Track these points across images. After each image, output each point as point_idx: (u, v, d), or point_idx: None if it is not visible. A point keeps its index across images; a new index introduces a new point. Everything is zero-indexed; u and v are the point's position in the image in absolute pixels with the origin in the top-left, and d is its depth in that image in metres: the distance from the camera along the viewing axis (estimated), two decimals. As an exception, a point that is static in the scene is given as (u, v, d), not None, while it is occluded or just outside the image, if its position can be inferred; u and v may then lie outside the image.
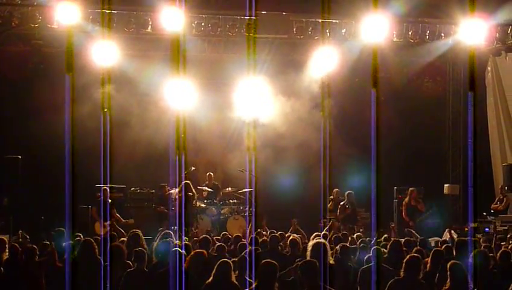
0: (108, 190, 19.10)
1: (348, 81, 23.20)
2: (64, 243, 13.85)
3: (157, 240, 13.21)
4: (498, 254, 12.07)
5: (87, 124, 19.55)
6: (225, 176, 22.95)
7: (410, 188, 21.27)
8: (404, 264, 9.98)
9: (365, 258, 11.99)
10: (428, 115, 24.82)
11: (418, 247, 14.03)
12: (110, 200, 19.11)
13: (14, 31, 20.81)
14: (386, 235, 17.36)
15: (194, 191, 20.31)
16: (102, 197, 19.02)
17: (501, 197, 20.98)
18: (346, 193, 20.38)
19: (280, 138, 22.44)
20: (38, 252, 12.12)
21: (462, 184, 23.84)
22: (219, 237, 16.46)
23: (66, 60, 17.77)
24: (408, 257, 10.17)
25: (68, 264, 11.34)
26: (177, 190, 19.66)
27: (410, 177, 23.34)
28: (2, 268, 11.96)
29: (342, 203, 20.45)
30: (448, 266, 9.91)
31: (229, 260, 9.98)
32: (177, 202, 19.43)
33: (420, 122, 24.63)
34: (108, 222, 19.00)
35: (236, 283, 9.82)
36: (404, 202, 21.06)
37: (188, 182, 19.65)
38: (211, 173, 22.10)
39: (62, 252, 12.89)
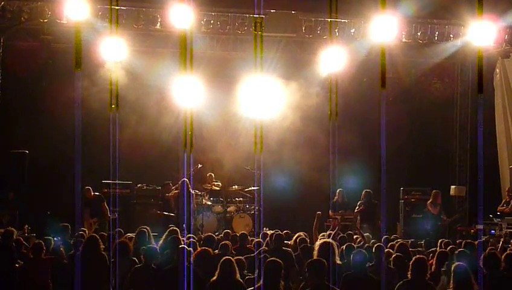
0: (90, 188, 19.19)
1: (356, 81, 23.19)
2: (69, 239, 13.93)
3: (164, 238, 13.22)
4: (503, 257, 12.05)
5: (95, 120, 19.59)
6: (231, 174, 22.91)
7: (434, 191, 21.16)
8: (410, 265, 9.98)
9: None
10: (436, 116, 24.76)
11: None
12: (97, 194, 19.29)
13: (23, 26, 20.82)
14: (394, 235, 17.35)
15: (191, 190, 20.29)
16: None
17: (507, 200, 20.92)
18: (364, 192, 20.24)
19: (287, 137, 22.43)
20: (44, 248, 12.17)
21: (468, 186, 23.78)
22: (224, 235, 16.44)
23: (74, 55, 17.80)
24: (414, 258, 10.16)
25: (74, 260, 11.38)
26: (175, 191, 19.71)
27: (417, 178, 23.34)
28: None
29: (359, 202, 20.30)
30: (452, 268, 9.90)
31: (232, 258, 10.00)
32: (178, 199, 19.49)
33: (428, 123, 24.60)
34: (94, 219, 19.10)
35: (240, 280, 9.84)
36: (428, 203, 20.92)
37: (186, 180, 19.56)
38: (212, 174, 22.03)
39: (68, 248, 12.95)
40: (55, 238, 14.25)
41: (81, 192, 18.68)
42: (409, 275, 9.93)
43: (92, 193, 19.38)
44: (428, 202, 20.63)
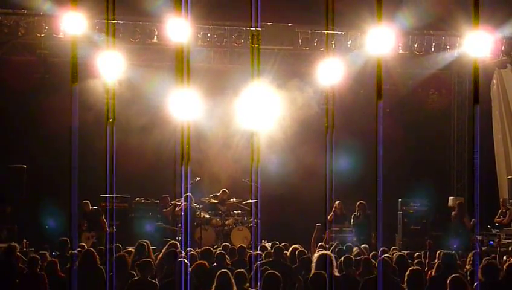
0: (88, 202, 19.18)
1: (353, 93, 23.18)
2: (67, 253, 13.89)
3: (163, 251, 13.22)
4: (505, 267, 12.02)
5: (92, 134, 19.57)
6: (229, 186, 22.88)
7: (459, 202, 21.16)
8: (406, 277, 9.92)
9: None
10: (434, 127, 24.79)
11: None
12: (95, 208, 19.23)
13: (20, 40, 20.88)
14: (394, 247, 17.30)
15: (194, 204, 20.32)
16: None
17: (503, 211, 20.90)
18: (358, 203, 20.21)
19: (284, 149, 22.45)
20: (40, 262, 12.12)
21: (466, 197, 23.74)
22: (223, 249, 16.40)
23: (71, 70, 17.79)
24: (409, 270, 10.10)
25: (71, 274, 11.36)
26: (183, 202, 19.65)
27: (415, 189, 23.30)
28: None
29: (354, 214, 20.26)
30: (448, 281, 9.87)
31: (228, 271, 9.98)
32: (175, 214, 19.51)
33: (425, 134, 24.61)
34: (92, 233, 19.05)
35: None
36: (453, 215, 20.90)
37: (190, 194, 19.61)
38: (226, 190, 21.88)
39: (65, 262, 12.91)
40: (53, 253, 14.24)
41: (79, 206, 18.66)
42: (405, 287, 9.90)
43: (90, 207, 19.38)
44: (464, 216, 20.29)
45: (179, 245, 13.58)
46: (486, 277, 10.42)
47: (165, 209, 20.83)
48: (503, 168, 23.23)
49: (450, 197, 23.50)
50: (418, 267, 10.78)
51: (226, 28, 20.88)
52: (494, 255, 15.84)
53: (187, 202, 19.23)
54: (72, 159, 15.07)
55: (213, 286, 9.65)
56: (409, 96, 24.48)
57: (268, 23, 20.66)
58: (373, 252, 14.94)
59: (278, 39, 21.28)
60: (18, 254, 13.27)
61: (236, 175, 22.50)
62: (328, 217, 19.94)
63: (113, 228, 18.91)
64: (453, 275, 9.91)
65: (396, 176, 22.31)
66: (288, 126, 22.28)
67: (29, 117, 21.84)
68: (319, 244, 16.37)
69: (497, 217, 20.87)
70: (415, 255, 15.41)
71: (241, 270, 11.34)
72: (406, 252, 15.28)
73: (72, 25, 18.60)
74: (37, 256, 12.36)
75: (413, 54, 21.95)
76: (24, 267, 12.23)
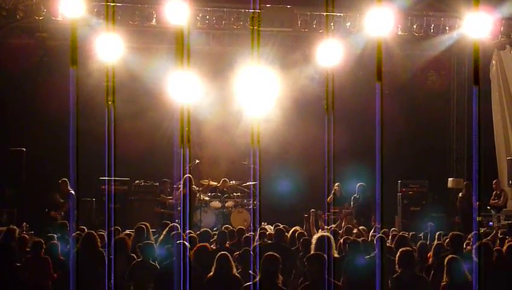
0: (67, 181, 18.58)
1: (352, 75, 23.16)
2: (67, 236, 13.92)
3: (164, 234, 13.25)
4: (505, 248, 12.03)
5: (91, 117, 19.54)
6: (229, 169, 22.92)
7: (466, 182, 21.19)
8: (397, 259, 9.92)
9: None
10: (433, 109, 24.77)
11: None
12: (72, 192, 18.84)
13: (18, 23, 20.80)
14: (393, 229, 17.34)
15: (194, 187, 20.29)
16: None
17: (497, 193, 20.92)
18: (358, 185, 20.19)
19: (283, 131, 22.44)
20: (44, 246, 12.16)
21: (466, 178, 23.76)
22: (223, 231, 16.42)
23: (70, 53, 17.76)
24: (400, 251, 10.07)
25: (71, 257, 11.39)
26: (181, 186, 19.61)
27: (415, 171, 23.36)
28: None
29: (354, 196, 20.23)
30: (445, 261, 9.89)
31: (227, 253, 10.01)
32: (181, 196, 19.46)
33: (424, 116, 24.60)
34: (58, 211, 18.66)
35: (237, 275, 9.86)
36: (461, 195, 20.91)
37: (190, 176, 19.55)
38: (226, 179, 21.88)
39: (65, 245, 12.94)
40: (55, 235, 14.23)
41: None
42: (397, 269, 9.89)
43: (68, 188, 18.75)
44: (472, 197, 20.28)
45: (178, 227, 13.57)
46: (480, 257, 10.45)
47: (170, 197, 20.75)
48: (503, 149, 23.22)
49: (450, 179, 23.53)
50: (409, 248, 10.75)
51: (225, 10, 20.83)
52: (499, 236, 15.80)
53: (186, 184, 19.18)
54: (70, 142, 15.07)
55: (213, 268, 9.69)
56: (408, 78, 24.46)
57: (268, 5, 20.61)
58: (373, 233, 14.98)
59: (277, 21, 21.20)
60: (26, 237, 13.31)
61: (235, 157, 22.53)
62: (328, 199, 19.93)
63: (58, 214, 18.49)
64: (449, 257, 9.95)
65: (395, 158, 22.31)
66: (288, 108, 22.27)
67: (28, 100, 21.85)
68: (330, 227, 16.32)
69: (491, 199, 20.88)
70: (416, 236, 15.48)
71: (241, 252, 11.41)
72: (410, 233, 15.31)
73: (71, 8, 18.56)
74: (41, 240, 12.37)
75: (413, 35, 21.88)
76: (28, 251, 12.25)
